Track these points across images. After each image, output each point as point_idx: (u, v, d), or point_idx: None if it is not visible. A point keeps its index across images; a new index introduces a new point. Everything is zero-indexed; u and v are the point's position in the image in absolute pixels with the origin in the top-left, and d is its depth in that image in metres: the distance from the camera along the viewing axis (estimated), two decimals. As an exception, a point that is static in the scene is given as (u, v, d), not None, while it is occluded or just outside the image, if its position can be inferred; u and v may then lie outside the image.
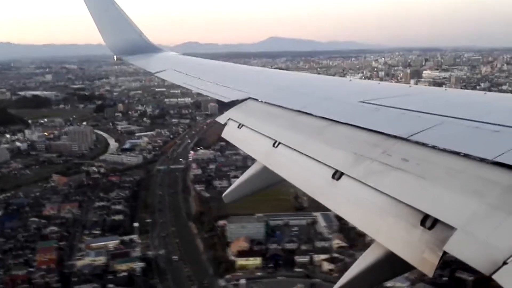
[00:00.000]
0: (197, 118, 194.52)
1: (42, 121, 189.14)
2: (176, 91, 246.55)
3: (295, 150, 5.02)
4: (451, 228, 2.85)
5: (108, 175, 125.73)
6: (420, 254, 3.00)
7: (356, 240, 77.80)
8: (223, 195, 6.50)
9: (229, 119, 7.05)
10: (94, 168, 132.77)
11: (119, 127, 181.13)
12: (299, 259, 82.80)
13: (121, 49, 14.98)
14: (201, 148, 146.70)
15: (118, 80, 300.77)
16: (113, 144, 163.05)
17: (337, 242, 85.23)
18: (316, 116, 5.51)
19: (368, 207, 3.63)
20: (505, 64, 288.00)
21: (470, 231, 2.74)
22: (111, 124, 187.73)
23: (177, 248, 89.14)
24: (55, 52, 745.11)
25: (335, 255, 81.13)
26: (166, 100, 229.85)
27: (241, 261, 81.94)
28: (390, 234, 3.31)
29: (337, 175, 4.08)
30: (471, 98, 5.51)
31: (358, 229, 3.69)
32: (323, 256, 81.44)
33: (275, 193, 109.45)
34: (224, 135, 6.95)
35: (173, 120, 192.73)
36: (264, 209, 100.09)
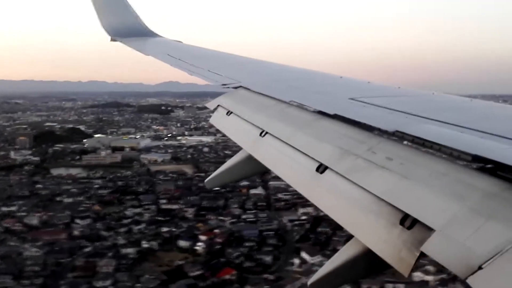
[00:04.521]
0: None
1: None
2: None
3: (281, 140, 5.04)
4: (430, 229, 2.85)
5: None
6: (398, 253, 3.00)
7: None
8: (205, 181, 6.58)
9: (218, 105, 7.12)
10: None
11: None
12: None
13: (117, 31, 14.77)
14: None
15: (25, 114, 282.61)
16: None
17: None
18: (305, 109, 5.56)
19: (349, 203, 3.66)
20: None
21: (449, 234, 2.74)
22: None
23: None
24: (31, 87, 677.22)
25: None
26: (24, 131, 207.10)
27: None
28: (369, 231, 3.32)
29: (321, 168, 4.09)
30: (458, 104, 5.57)
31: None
32: None
33: None
34: (212, 121, 7.05)
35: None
36: None
